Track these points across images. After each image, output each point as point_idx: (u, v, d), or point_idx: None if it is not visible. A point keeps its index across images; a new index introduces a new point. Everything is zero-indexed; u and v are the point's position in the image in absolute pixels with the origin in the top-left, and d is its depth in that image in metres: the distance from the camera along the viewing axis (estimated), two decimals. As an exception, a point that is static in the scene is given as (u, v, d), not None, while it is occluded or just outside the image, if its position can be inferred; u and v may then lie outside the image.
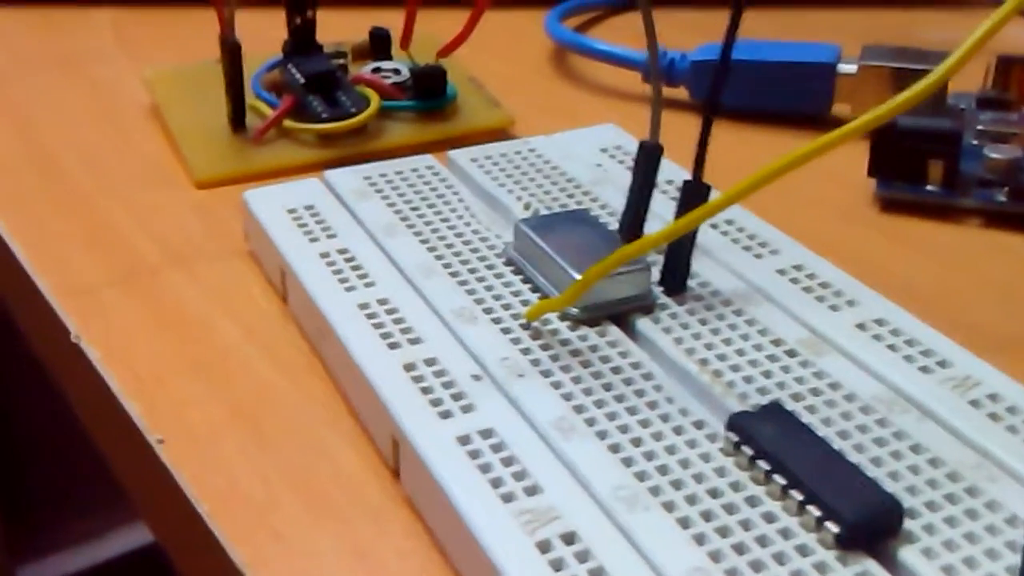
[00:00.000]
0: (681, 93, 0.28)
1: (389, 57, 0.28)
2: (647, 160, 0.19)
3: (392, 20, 0.28)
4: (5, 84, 0.29)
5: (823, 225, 0.23)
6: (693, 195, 0.18)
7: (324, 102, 0.26)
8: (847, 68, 0.26)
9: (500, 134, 0.26)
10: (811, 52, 0.27)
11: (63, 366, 0.21)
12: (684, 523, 0.14)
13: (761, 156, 0.25)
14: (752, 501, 0.14)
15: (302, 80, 0.26)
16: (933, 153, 0.24)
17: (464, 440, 0.15)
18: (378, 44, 0.28)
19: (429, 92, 0.26)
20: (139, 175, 0.25)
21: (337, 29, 0.28)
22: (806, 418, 0.16)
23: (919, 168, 0.24)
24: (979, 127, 0.25)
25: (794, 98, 0.27)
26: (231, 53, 0.25)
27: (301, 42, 0.27)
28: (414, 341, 0.17)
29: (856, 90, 0.26)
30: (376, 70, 0.27)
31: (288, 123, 0.25)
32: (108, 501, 0.94)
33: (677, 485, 0.14)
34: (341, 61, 0.27)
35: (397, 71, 0.27)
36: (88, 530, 0.96)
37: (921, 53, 0.26)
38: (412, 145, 0.26)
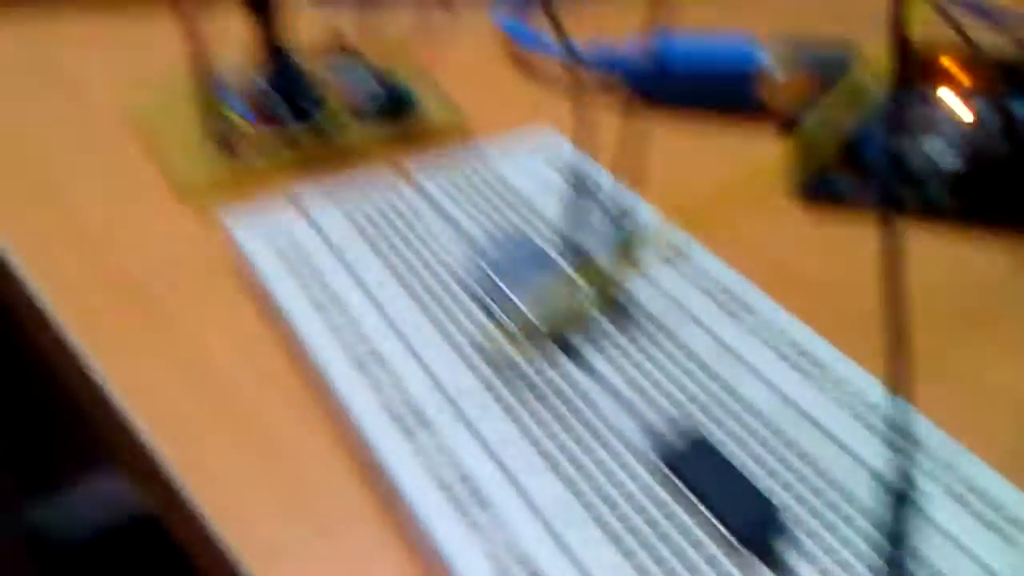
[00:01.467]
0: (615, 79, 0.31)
1: (350, 59, 0.30)
2: (577, 200, 0.22)
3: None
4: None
5: (742, 221, 0.25)
6: (616, 238, 0.20)
7: (294, 110, 0.28)
8: (763, 66, 0.29)
9: (456, 132, 0.29)
10: (732, 55, 0.29)
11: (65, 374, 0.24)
12: (614, 537, 0.17)
13: (687, 151, 0.28)
14: (669, 516, 0.17)
15: (270, 90, 0.28)
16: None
17: (424, 455, 0.18)
18: (339, 48, 0.30)
19: (391, 98, 0.29)
20: (122, 186, 0.27)
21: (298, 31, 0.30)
22: (715, 434, 0.19)
23: (828, 165, 0.27)
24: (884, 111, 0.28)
25: (718, 93, 0.30)
26: (202, 71, 0.27)
27: (269, 53, 0.29)
28: (382, 365, 0.20)
29: (773, 82, 0.29)
30: (338, 73, 0.29)
31: (258, 131, 0.28)
32: (100, 472, 0.96)
33: (608, 502, 0.18)
34: (304, 67, 0.29)
35: (359, 74, 0.29)
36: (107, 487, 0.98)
37: (828, 47, 0.29)
38: (377, 145, 0.28)
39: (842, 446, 0.19)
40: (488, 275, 0.21)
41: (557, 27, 0.20)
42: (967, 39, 0.26)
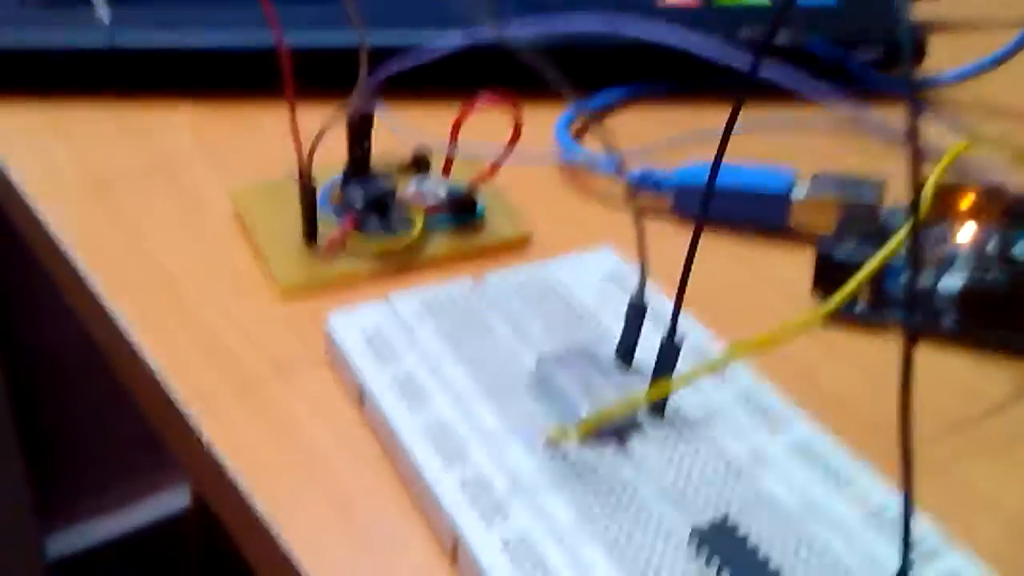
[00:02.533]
0: (667, 201, 0.34)
1: (427, 171, 0.34)
2: (634, 314, 0.25)
3: (428, 132, 0.34)
4: (108, 188, 0.35)
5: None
6: (666, 356, 0.24)
7: (379, 220, 0.32)
8: (798, 196, 0.33)
9: (520, 244, 0.33)
10: (769, 180, 0.33)
11: (190, 458, 0.27)
12: (657, 610, 0.20)
13: (728, 266, 0.32)
14: (704, 594, 0.21)
15: (361, 203, 0.32)
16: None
17: (506, 543, 0.22)
18: (420, 164, 0.34)
19: (463, 211, 0.33)
20: (229, 279, 0.31)
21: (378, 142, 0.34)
22: (745, 527, 0.22)
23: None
24: (904, 249, 0.31)
25: (758, 215, 0.33)
26: (305, 187, 0.31)
27: (359, 167, 0.33)
28: (464, 458, 0.24)
29: (806, 212, 0.33)
30: (419, 190, 0.33)
31: (351, 239, 0.32)
32: (137, 471, 1.01)
33: (653, 580, 0.21)
34: (390, 183, 0.33)
35: (436, 191, 0.33)
36: (117, 499, 1.02)
37: (858, 183, 0.32)
38: (449, 255, 0.32)
39: (855, 542, 0.22)
40: (550, 376, 0.25)
41: (613, 155, 0.24)
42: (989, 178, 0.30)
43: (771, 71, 0.26)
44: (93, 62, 0.40)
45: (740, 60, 0.26)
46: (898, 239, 0.25)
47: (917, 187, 0.17)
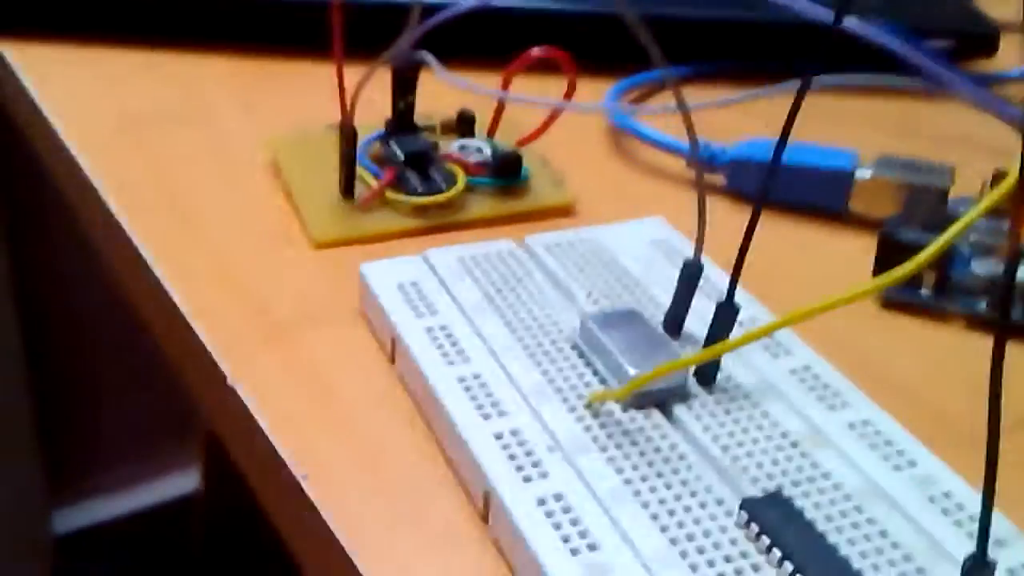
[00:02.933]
0: (719, 179, 0.33)
1: (472, 134, 0.33)
2: (687, 276, 0.24)
3: (472, 101, 0.33)
4: (143, 131, 0.34)
5: (831, 317, 0.28)
6: (723, 318, 0.22)
7: (419, 176, 0.31)
8: (862, 175, 0.31)
9: (564, 211, 0.31)
10: (833, 158, 0.32)
11: (215, 404, 0.26)
12: (704, 581, 0.19)
13: (785, 248, 0.30)
14: (755, 567, 0.19)
15: (402, 157, 0.31)
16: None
17: (541, 501, 0.20)
18: (464, 123, 0.33)
19: (507, 173, 0.31)
20: (263, 230, 0.30)
21: (426, 101, 0.32)
22: (800, 501, 0.20)
23: (915, 274, 0.28)
24: (972, 236, 0.30)
25: (816, 195, 0.32)
26: (348, 136, 0.29)
27: (402, 122, 0.31)
28: (501, 413, 0.22)
29: (869, 194, 0.31)
30: (463, 148, 0.32)
31: (389, 194, 0.30)
32: (149, 451, 1.00)
33: (700, 550, 0.19)
34: (432, 139, 0.32)
35: (480, 150, 0.32)
36: (125, 478, 1.02)
37: (927, 167, 0.31)
38: (490, 218, 0.31)
39: (917, 525, 0.20)
40: (596, 335, 0.23)
41: (687, 123, 0.23)
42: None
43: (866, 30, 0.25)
44: (132, 6, 0.39)
45: (821, 15, 0.25)
46: (968, 217, 0.23)
47: None
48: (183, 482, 1.00)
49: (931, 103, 0.39)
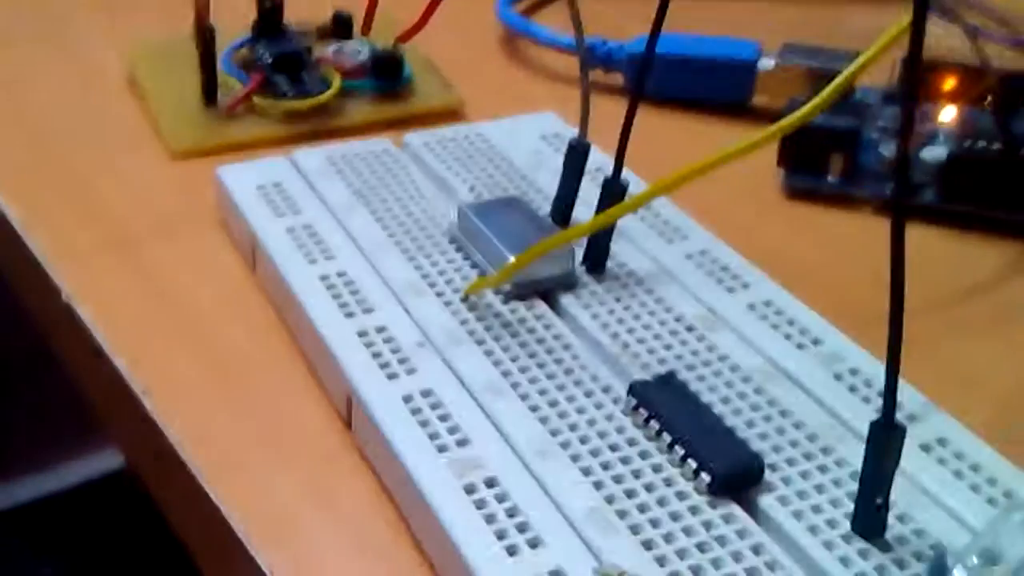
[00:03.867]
0: (618, 79, 0.31)
1: (350, 37, 0.30)
2: (574, 157, 0.22)
3: (352, 4, 0.30)
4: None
5: (733, 208, 0.26)
6: (611, 193, 0.20)
7: (290, 81, 0.28)
8: (766, 64, 0.29)
9: (451, 115, 0.29)
10: (735, 48, 0.30)
11: (53, 324, 0.23)
12: (586, 471, 0.17)
13: (685, 142, 0.28)
14: (643, 455, 0.17)
15: (270, 60, 0.28)
16: (834, 148, 0.26)
17: (407, 399, 0.18)
18: (340, 26, 0.30)
19: (387, 74, 0.29)
20: (119, 143, 0.27)
21: (301, 7, 0.30)
22: (695, 385, 0.18)
23: (822, 161, 0.27)
24: (880, 123, 0.28)
25: (718, 89, 0.30)
26: (205, 37, 0.27)
27: (269, 23, 0.29)
28: (367, 310, 0.20)
29: (774, 84, 0.29)
30: (338, 51, 0.29)
31: (257, 100, 0.28)
32: (76, 429, 0.96)
33: (583, 440, 0.17)
34: (305, 42, 0.30)
35: (357, 52, 0.29)
36: (55, 456, 0.98)
37: (834, 54, 0.29)
38: (370, 123, 0.28)
39: (822, 404, 0.18)
40: (474, 223, 0.21)
41: (575, 19, 0.21)
42: (977, 51, 0.26)
43: None
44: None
45: None
46: (843, 78, 0.20)
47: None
48: (109, 461, 0.97)
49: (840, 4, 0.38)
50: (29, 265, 0.24)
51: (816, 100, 0.18)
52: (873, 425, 0.15)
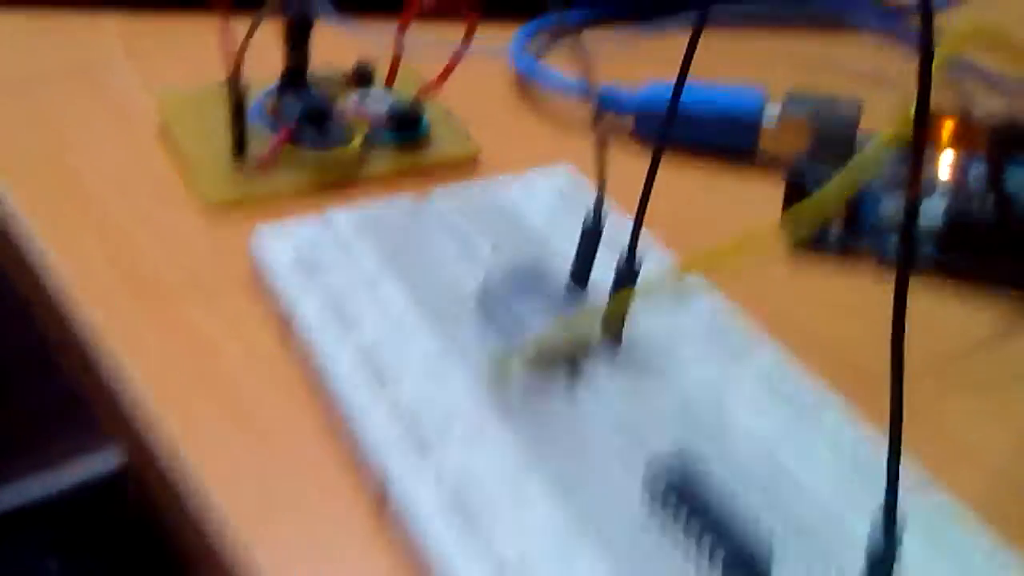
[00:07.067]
0: (628, 121, 0.32)
1: (371, 85, 0.32)
2: (588, 237, 0.23)
3: (373, 55, 0.31)
4: (28, 92, 0.32)
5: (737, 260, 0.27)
6: (626, 275, 0.22)
7: (316, 132, 0.29)
8: (770, 119, 0.30)
9: (468, 163, 0.30)
10: (739, 100, 0.31)
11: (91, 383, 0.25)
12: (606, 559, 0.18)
13: (693, 192, 0.30)
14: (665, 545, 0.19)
15: (297, 114, 0.29)
16: (836, 205, 0.28)
17: (439, 479, 0.19)
18: (362, 77, 0.31)
19: (406, 125, 0.30)
20: (151, 192, 0.29)
21: (325, 48, 0.31)
22: (704, 457, 0.20)
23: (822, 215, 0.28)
24: (882, 173, 0.29)
25: (724, 137, 0.31)
26: (238, 94, 0.28)
27: (296, 76, 0.30)
28: (396, 381, 0.21)
29: (778, 133, 0.31)
30: (361, 101, 0.31)
31: (284, 154, 0.29)
32: (70, 431, 0.97)
33: (602, 527, 0.19)
34: (330, 92, 0.31)
35: (379, 102, 0.30)
36: (48, 458, 0.99)
37: (836, 104, 0.30)
38: (392, 173, 0.29)
39: (827, 482, 0.20)
40: (498, 296, 0.23)
41: (585, 67, 0.22)
42: (968, 105, 0.28)
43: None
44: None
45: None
46: (868, 156, 0.22)
47: (925, 85, 0.15)
48: (105, 463, 0.98)
49: (841, 38, 0.39)
50: (52, 303, 0.25)
51: (842, 181, 0.19)
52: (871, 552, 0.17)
